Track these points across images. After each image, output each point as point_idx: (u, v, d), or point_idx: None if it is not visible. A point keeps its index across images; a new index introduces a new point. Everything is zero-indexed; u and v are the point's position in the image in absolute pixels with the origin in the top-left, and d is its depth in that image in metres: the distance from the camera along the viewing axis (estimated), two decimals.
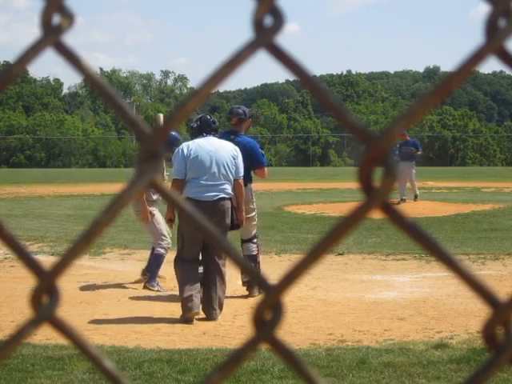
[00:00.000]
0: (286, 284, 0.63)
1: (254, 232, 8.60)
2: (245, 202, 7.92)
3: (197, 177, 7.37)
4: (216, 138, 7.62)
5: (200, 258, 7.51)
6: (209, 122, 7.63)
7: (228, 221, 7.44)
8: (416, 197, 20.38)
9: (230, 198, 7.52)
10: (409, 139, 20.65)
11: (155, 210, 8.99)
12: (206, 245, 7.38)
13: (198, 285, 7.34)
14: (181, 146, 7.55)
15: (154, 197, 8.97)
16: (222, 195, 7.41)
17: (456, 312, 7.48)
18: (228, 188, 7.47)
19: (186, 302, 7.20)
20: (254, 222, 8.60)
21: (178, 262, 7.46)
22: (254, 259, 8.43)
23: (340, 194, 25.47)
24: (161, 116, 9.99)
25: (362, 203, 0.61)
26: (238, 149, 7.62)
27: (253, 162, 8.29)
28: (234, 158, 7.51)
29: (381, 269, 10.22)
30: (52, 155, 74.05)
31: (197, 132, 7.66)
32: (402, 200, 19.90)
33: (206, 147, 7.45)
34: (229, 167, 7.46)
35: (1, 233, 0.69)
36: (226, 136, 8.19)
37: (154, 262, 8.87)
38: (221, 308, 7.32)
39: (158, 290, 8.63)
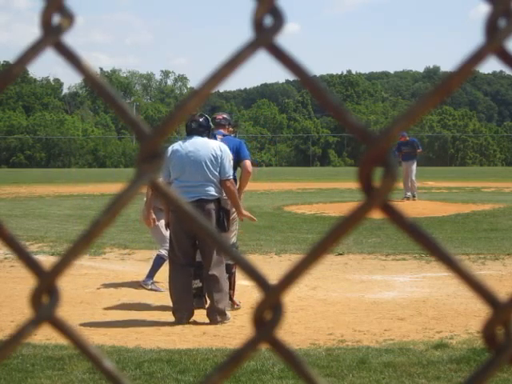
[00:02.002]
0: (286, 284, 0.63)
1: (233, 240, 7.86)
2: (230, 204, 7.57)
3: (177, 177, 7.22)
4: (201, 138, 7.32)
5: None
6: (188, 122, 7.40)
7: (211, 223, 7.12)
8: (414, 196, 20.63)
9: (216, 200, 7.25)
10: (408, 139, 20.93)
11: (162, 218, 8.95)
12: (201, 253, 7.33)
13: (188, 295, 7.25)
14: (168, 148, 7.44)
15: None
16: (202, 197, 7.16)
17: (456, 312, 7.49)
18: (210, 189, 7.20)
19: (174, 313, 7.22)
20: (233, 228, 7.88)
21: (169, 265, 7.46)
22: (229, 269, 7.63)
23: (340, 193, 25.47)
24: None
25: (361, 203, 0.61)
26: (223, 147, 7.31)
27: (240, 156, 7.83)
28: (216, 157, 7.21)
29: (381, 269, 10.22)
30: (52, 155, 74.03)
31: (186, 131, 7.51)
32: (406, 198, 20.31)
33: (185, 147, 7.26)
34: (208, 167, 7.19)
35: (1, 233, 0.69)
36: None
37: (154, 263, 8.91)
38: (220, 314, 7.22)
39: (151, 289, 8.68)
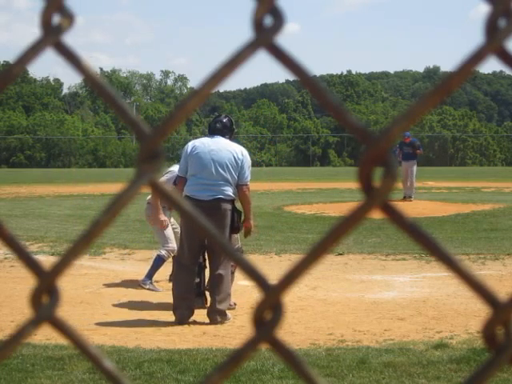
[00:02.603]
0: (286, 284, 0.63)
1: (237, 244, 7.73)
2: None
3: (194, 174, 7.25)
4: (224, 139, 7.40)
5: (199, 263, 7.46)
6: (212, 122, 7.52)
7: (226, 222, 7.16)
8: (410, 197, 20.58)
9: (232, 200, 7.30)
10: (410, 140, 20.90)
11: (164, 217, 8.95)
12: (210, 252, 7.33)
13: (190, 294, 7.25)
14: (188, 144, 7.50)
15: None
16: (219, 196, 7.19)
17: (456, 312, 7.49)
18: (228, 190, 7.24)
19: (174, 311, 7.24)
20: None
21: (175, 263, 7.47)
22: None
23: (340, 193, 25.46)
24: None
25: (361, 203, 0.61)
26: (245, 152, 7.40)
27: None
28: (236, 160, 7.27)
29: (381, 269, 10.22)
30: (52, 155, 74.02)
31: (209, 131, 7.59)
32: (405, 198, 20.29)
33: (208, 145, 7.32)
34: (228, 168, 7.24)
35: (1, 233, 0.69)
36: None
37: (154, 263, 8.92)
38: (220, 314, 7.21)
39: (149, 289, 8.69)
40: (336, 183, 32.37)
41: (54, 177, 42.09)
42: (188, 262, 7.30)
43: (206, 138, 7.47)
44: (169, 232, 8.89)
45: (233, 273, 7.68)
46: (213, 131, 7.47)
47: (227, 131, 7.48)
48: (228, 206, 7.25)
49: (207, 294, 7.62)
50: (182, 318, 7.15)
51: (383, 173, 0.60)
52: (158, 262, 8.90)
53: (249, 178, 7.38)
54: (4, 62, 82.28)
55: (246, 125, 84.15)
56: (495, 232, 14.25)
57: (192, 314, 7.25)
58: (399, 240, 12.24)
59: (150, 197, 8.87)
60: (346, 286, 9.01)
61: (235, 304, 7.71)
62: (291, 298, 7.68)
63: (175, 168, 8.14)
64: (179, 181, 7.36)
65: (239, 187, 7.30)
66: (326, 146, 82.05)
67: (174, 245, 8.76)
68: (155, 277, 8.92)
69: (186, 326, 7.09)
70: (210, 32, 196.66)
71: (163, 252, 8.88)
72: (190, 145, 7.41)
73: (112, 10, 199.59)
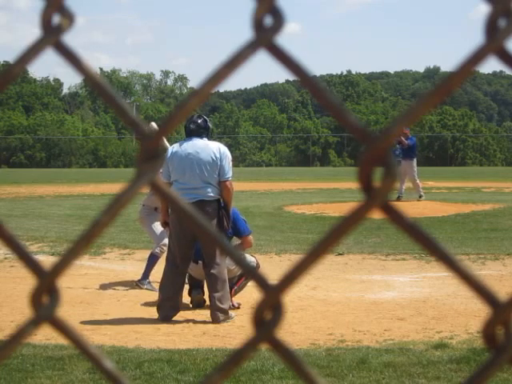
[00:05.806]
0: (286, 284, 0.63)
1: (253, 260, 7.87)
2: None
3: (177, 179, 7.22)
4: (201, 140, 7.32)
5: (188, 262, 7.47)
6: (186, 124, 7.41)
7: (212, 224, 7.12)
8: (420, 197, 20.29)
9: (216, 201, 7.25)
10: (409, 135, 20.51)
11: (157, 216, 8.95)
12: (202, 249, 7.30)
13: (175, 296, 7.24)
14: (169, 148, 7.41)
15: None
16: (202, 198, 7.15)
17: (456, 312, 7.48)
18: (210, 191, 7.20)
19: (158, 309, 7.27)
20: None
21: (165, 263, 7.49)
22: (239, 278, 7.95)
23: (340, 193, 25.45)
24: (153, 124, 9.91)
25: (361, 203, 0.61)
26: (223, 149, 7.32)
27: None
28: (215, 160, 7.20)
29: (381, 269, 10.22)
30: (52, 155, 74.08)
31: (185, 133, 7.53)
32: (399, 198, 19.99)
33: (185, 149, 7.26)
34: (207, 170, 7.18)
35: (1, 233, 0.69)
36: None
37: (148, 262, 8.93)
38: (222, 312, 7.21)
39: (147, 288, 8.70)
40: (336, 183, 32.37)
41: (54, 177, 42.09)
42: (178, 262, 7.29)
43: (183, 142, 7.38)
44: (158, 228, 8.85)
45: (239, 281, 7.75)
46: (189, 133, 7.38)
47: (203, 131, 7.38)
48: (211, 207, 7.22)
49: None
50: (165, 316, 7.17)
51: (383, 173, 0.60)
52: (153, 259, 8.91)
53: (229, 174, 7.29)
54: (4, 61, 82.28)
55: (245, 125, 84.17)
56: (495, 232, 14.24)
57: (177, 312, 7.24)
58: (399, 240, 12.23)
59: (144, 198, 8.94)
60: (345, 286, 9.00)
61: (239, 304, 7.71)
62: (291, 298, 7.67)
63: None
64: None
65: (221, 183, 7.25)
66: (326, 146, 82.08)
67: (166, 241, 8.77)
68: (153, 277, 8.91)
69: (186, 325, 7.09)
70: (210, 32, 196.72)
71: (157, 249, 8.89)
72: (170, 150, 7.31)
73: (112, 10, 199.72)
